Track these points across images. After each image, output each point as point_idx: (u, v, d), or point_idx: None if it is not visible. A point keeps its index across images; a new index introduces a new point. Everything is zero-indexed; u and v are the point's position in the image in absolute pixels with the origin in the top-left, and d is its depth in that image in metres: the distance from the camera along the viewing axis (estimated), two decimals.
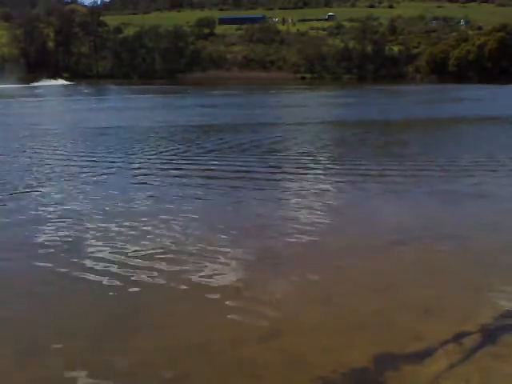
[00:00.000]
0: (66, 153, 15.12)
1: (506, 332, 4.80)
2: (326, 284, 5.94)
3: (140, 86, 71.61)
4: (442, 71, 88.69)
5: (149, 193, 10.05)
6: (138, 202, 9.38)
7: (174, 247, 6.97)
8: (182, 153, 14.92)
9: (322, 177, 11.54)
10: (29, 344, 4.67)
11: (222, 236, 7.43)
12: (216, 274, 6.07)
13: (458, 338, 4.64)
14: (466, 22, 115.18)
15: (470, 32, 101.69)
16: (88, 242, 7.17)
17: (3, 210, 8.87)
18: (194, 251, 6.79)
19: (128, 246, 6.98)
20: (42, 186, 10.61)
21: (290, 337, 4.76)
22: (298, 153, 14.78)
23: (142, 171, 12.18)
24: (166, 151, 15.19)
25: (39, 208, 8.94)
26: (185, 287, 5.75)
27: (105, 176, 11.63)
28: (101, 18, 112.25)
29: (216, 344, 4.65)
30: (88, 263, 6.42)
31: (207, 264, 6.36)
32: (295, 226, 7.89)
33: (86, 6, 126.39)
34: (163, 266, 6.34)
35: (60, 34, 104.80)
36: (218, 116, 27.01)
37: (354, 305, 5.37)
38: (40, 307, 5.46)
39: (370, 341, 4.66)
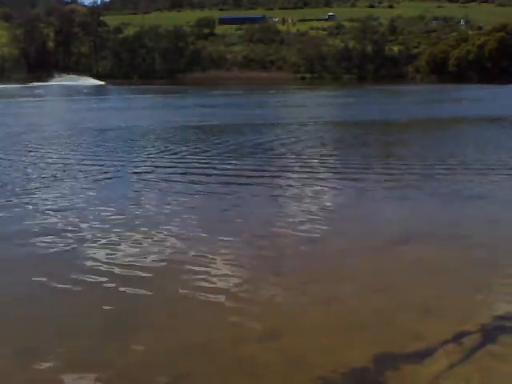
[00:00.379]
0: (66, 154, 15.12)
1: (505, 332, 4.80)
2: (326, 284, 5.94)
3: (140, 85, 71.57)
4: (442, 71, 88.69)
5: (149, 194, 10.05)
6: (138, 203, 9.38)
7: (174, 248, 6.97)
8: (182, 153, 14.91)
9: (322, 177, 11.53)
10: (29, 344, 4.68)
11: (222, 237, 7.42)
12: (216, 275, 6.07)
13: (457, 338, 4.64)
14: (466, 22, 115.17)
15: (470, 32, 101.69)
16: (88, 243, 7.17)
17: (5, 211, 8.87)
18: (194, 252, 6.78)
19: (128, 247, 6.98)
20: (42, 188, 10.61)
21: (290, 337, 4.76)
22: (297, 153, 14.77)
23: (143, 172, 12.18)
24: (166, 152, 15.18)
25: (39, 209, 8.95)
26: (185, 288, 5.75)
27: (105, 177, 11.63)
28: (101, 18, 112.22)
29: (216, 343, 4.65)
30: (88, 264, 6.43)
31: (207, 265, 6.35)
32: (295, 226, 7.89)
33: (86, 6, 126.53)
34: (163, 266, 6.34)
35: (60, 34, 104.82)
36: (218, 116, 27.01)
37: (354, 305, 5.37)
38: (40, 307, 5.46)
39: (369, 341, 4.66)
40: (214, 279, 5.95)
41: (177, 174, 11.92)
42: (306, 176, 11.55)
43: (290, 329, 4.90)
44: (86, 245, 7.07)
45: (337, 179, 11.30)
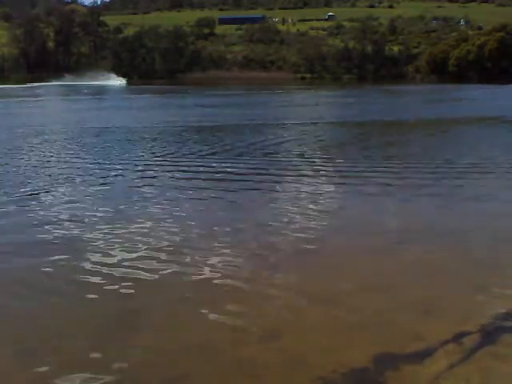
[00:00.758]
0: (66, 154, 15.12)
1: (505, 332, 4.80)
2: (326, 284, 5.94)
3: (140, 85, 71.53)
4: (442, 71, 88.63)
5: (149, 195, 10.05)
6: (138, 203, 9.38)
7: (173, 249, 6.97)
8: (181, 154, 14.91)
9: (322, 178, 11.54)
10: (29, 344, 4.67)
11: (222, 237, 7.42)
12: (216, 275, 6.07)
13: (457, 337, 4.64)
14: (466, 22, 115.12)
15: (470, 32, 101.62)
16: (88, 244, 7.17)
17: (6, 213, 8.87)
18: (194, 253, 6.79)
19: (128, 248, 6.98)
20: (42, 189, 10.61)
21: (290, 337, 4.76)
22: (297, 154, 14.78)
23: (143, 173, 12.18)
24: (165, 153, 15.18)
25: (39, 208, 8.95)
26: (185, 288, 5.76)
27: (105, 179, 11.63)
28: (101, 18, 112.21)
29: (216, 344, 4.65)
30: (87, 264, 6.42)
31: (207, 265, 6.35)
32: (295, 226, 7.89)
33: (86, 6, 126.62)
34: (163, 266, 6.34)
35: (60, 34, 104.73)
36: (218, 116, 27.01)
37: (354, 305, 5.36)
38: (40, 307, 5.45)
39: (369, 341, 4.66)
40: (213, 279, 5.95)
41: (176, 175, 11.93)
42: (306, 176, 11.55)
43: (290, 329, 4.90)
44: (85, 246, 7.07)
45: (337, 180, 11.30)
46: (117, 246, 7.02)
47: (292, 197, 9.75)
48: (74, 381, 4.12)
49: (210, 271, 6.16)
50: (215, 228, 7.85)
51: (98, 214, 8.53)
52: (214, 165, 12.98)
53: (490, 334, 4.72)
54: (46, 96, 49.79)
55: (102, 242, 7.18)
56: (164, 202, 9.40)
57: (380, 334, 4.80)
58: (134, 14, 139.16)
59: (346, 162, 13.43)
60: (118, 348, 4.62)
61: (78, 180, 11.22)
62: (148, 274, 6.09)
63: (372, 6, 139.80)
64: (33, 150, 15.41)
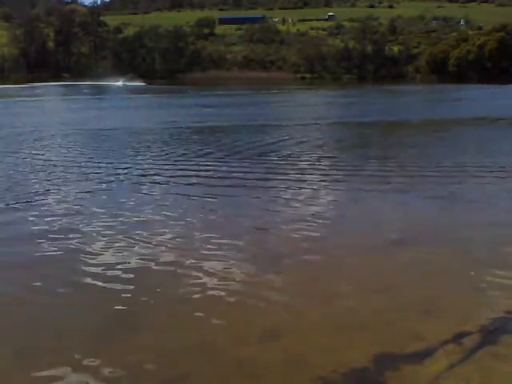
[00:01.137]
0: (66, 154, 15.12)
1: (505, 332, 4.80)
2: (326, 284, 5.94)
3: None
4: (442, 71, 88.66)
5: (149, 195, 10.06)
6: (138, 204, 9.39)
7: (173, 249, 6.97)
8: (181, 155, 14.91)
9: (322, 178, 11.53)
10: (29, 344, 4.67)
11: (222, 238, 7.42)
12: (216, 276, 6.07)
13: (457, 337, 4.64)
14: (466, 22, 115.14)
15: (470, 32, 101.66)
16: (88, 245, 7.17)
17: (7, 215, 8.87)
18: (194, 253, 6.79)
19: (128, 248, 6.98)
20: (43, 189, 10.61)
21: (290, 337, 4.76)
22: (297, 154, 14.77)
23: (144, 172, 12.19)
24: (165, 153, 15.19)
25: (40, 209, 8.95)
26: (185, 288, 5.75)
27: (104, 179, 11.63)
28: (101, 18, 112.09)
29: (216, 344, 4.64)
30: (87, 265, 6.42)
31: (207, 266, 6.35)
32: (295, 227, 7.89)
33: (86, 6, 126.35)
34: (163, 267, 6.34)
35: (60, 34, 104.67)
36: (218, 116, 27.02)
37: (354, 305, 5.36)
38: (40, 308, 5.45)
39: (369, 341, 4.66)
40: (213, 279, 5.95)
41: (176, 176, 11.92)
42: (306, 177, 11.55)
43: (290, 329, 4.90)
44: (85, 247, 7.07)
45: (337, 180, 11.30)
46: (116, 246, 7.02)
47: (292, 197, 9.75)
48: (74, 381, 4.12)
49: (210, 271, 6.16)
50: (215, 228, 7.85)
51: (97, 214, 8.53)
52: (214, 165, 12.99)
53: (490, 334, 4.72)
54: (46, 96, 49.76)
55: (101, 242, 7.18)
56: (163, 202, 9.40)
57: (380, 334, 4.80)
58: (134, 14, 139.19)
59: (346, 162, 13.43)
60: (118, 348, 4.62)
61: (77, 180, 11.22)
62: (148, 274, 6.09)
63: (372, 6, 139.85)
64: (32, 150, 15.41)
